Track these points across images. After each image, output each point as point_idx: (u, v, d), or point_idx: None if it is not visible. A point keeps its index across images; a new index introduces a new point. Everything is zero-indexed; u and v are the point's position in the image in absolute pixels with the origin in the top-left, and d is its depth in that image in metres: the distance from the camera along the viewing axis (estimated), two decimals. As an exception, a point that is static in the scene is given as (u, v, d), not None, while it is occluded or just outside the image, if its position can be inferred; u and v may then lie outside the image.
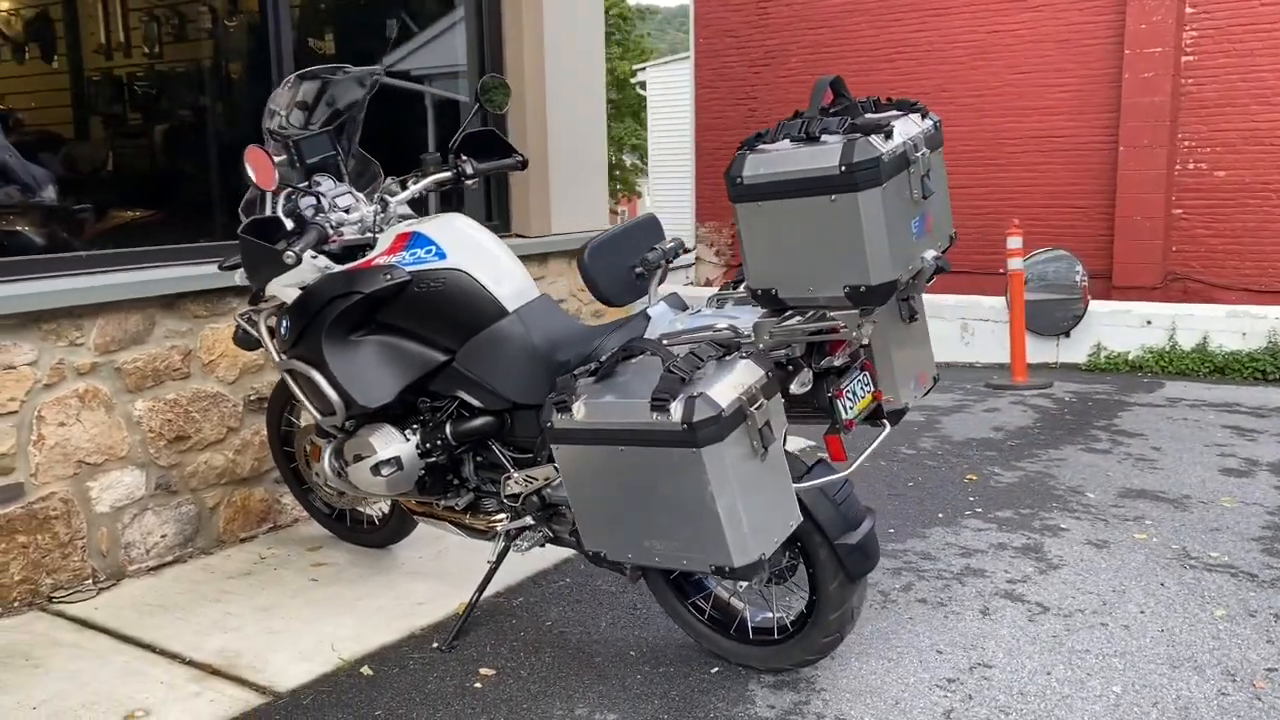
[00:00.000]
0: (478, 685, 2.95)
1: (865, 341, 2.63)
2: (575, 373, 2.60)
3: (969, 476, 4.97)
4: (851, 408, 2.71)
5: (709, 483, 2.34)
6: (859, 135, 2.32)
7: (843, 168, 2.30)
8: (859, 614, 2.92)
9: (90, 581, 3.53)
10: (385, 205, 3.29)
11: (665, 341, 2.60)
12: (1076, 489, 4.76)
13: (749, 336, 2.55)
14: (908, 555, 3.93)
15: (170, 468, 3.75)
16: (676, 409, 2.33)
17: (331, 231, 3.08)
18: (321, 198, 3.26)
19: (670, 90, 18.20)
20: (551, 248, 5.40)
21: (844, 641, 3.00)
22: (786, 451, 2.75)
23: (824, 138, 2.36)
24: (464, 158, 3.44)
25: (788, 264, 2.45)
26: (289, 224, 3.09)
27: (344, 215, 3.23)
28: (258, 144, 2.98)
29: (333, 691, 2.90)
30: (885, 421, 2.90)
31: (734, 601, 3.04)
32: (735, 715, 2.79)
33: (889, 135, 2.36)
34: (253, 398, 3.97)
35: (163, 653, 3.11)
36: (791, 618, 2.95)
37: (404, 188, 3.38)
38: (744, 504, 2.39)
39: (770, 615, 2.99)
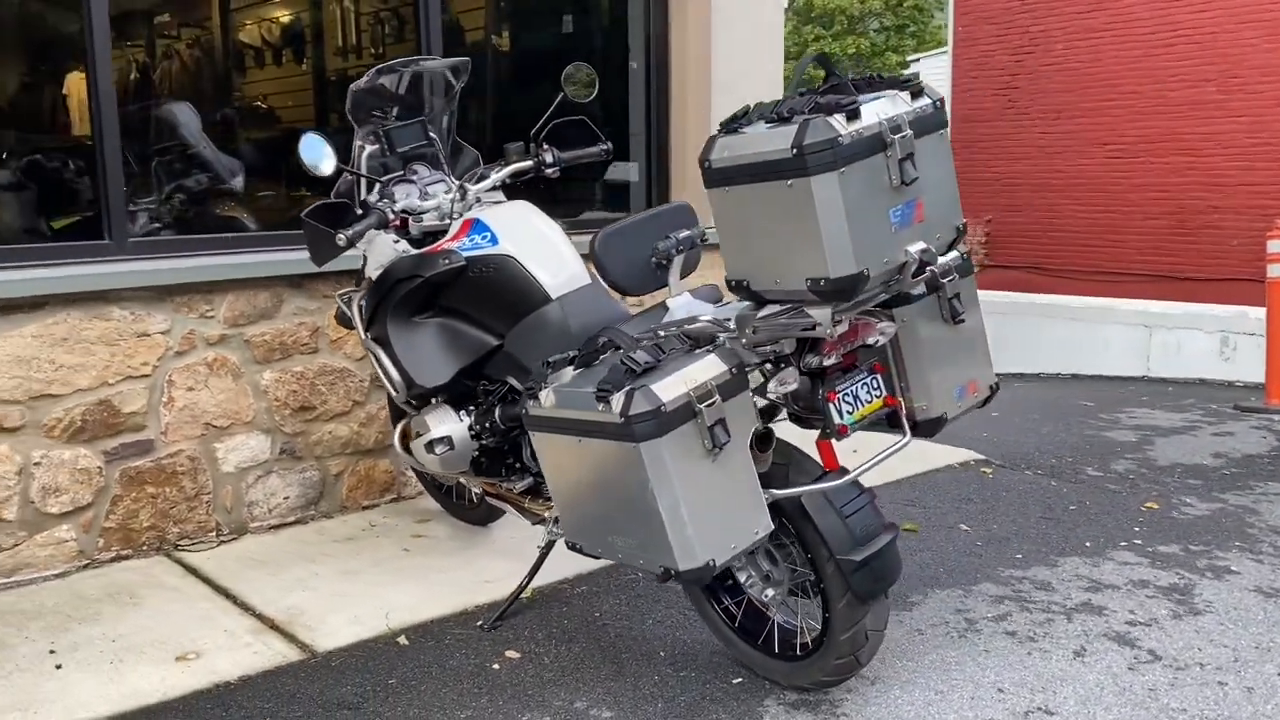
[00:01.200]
0: (495, 667, 2.97)
1: (871, 341, 2.42)
2: (553, 360, 2.55)
3: (1148, 505, 4.43)
4: (849, 413, 2.49)
5: (649, 480, 2.23)
6: (818, 115, 2.13)
7: (794, 150, 2.12)
8: (878, 638, 2.68)
9: (214, 534, 3.87)
10: (464, 192, 3.37)
11: (662, 332, 2.50)
12: (1278, 529, 4.13)
13: (733, 330, 2.40)
14: (1021, 584, 3.56)
15: (295, 435, 4.04)
16: (617, 401, 2.24)
17: (392, 216, 3.20)
18: (410, 185, 3.39)
19: (934, 82, 17.44)
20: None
21: (874, 666, 2.77)
22: (796, 453, 2.58)
23: (794, 119, 2.19)
24: (545, 147, 3.46)
25: (757, 253, 2.29)
26: (363, 209, 3.24)
27: (421, 203, 3.34)
28: (315, 130, 3.15)
29: (362, 657, 3.02)
30: (907, 430, 2.64)
31: (770, 610, 2.88)
32: (738, 729, 2.66)
33: (853, 115, 2.16)
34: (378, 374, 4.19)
35: (241, 604, 3.36)
36: (814, 635, 2.76)
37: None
38: (689, 505, 2.26)
39: (797, 629, 2.81)
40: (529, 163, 3.45)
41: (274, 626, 3.20)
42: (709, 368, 2.32)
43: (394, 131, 3.42)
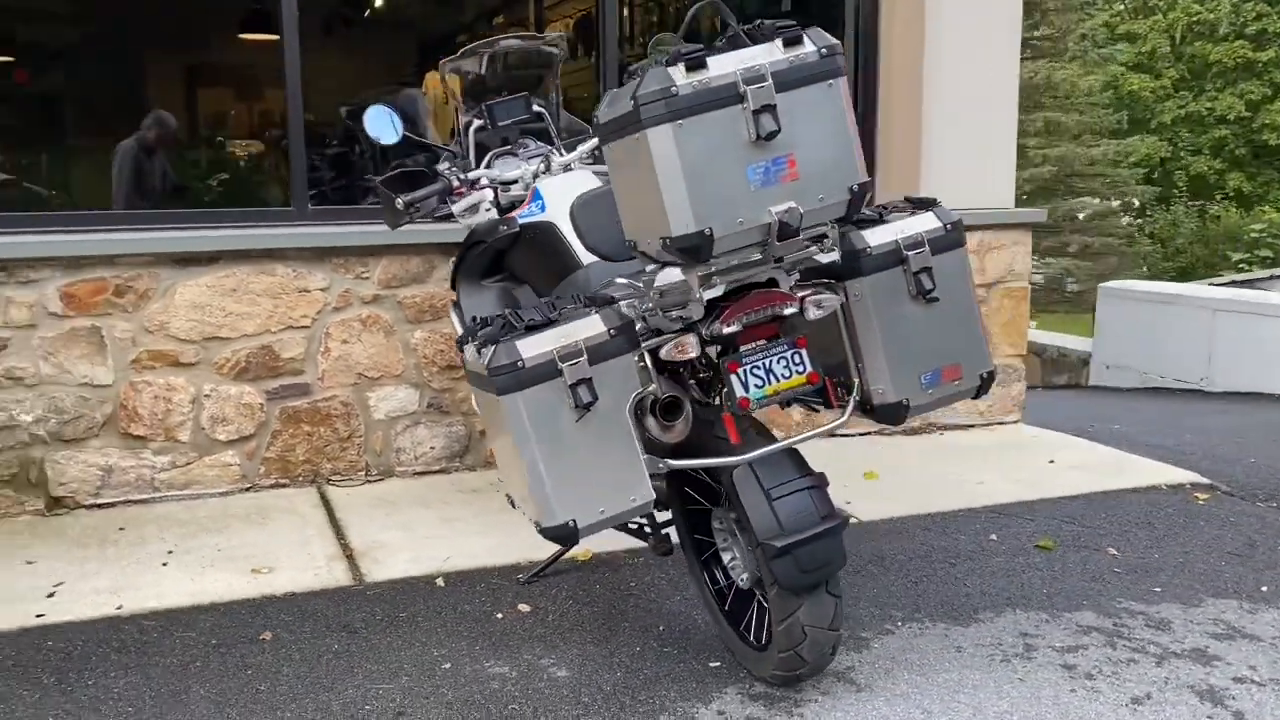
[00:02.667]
0: (499, 616, 3.07)
1: (788, 312, 2.24)
2: (483, 317, 2.57)
3: (1391, 555, 3.62)
4: (757, 387, 2.31)
5: (512, 432, 2.21)
6: (660, 66, 2.00)
7: (632, 102, 2.01)
8: (825, 638, 2.46)
9: (363, 474, 4.30)
10: (549, 164, 3.48)
11: (611, 293, 2.47)
12: None
13: (640, 294, 2.32)
14: (1131, 618, 3.08)
15: (442, 391, 4.37)
16: (486, 354, 2.24)
17: (456, 184, 3.37)
18: (514, 158, 3.56)
19: None
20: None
21: (866, 672, 2.55)
22: (743, 423, 2.43)
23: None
24: None
25: (631, 213, 2.19)
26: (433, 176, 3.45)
27: (508, 173, 3.48)
28: (385, 103, 3.38)
29: (396, 591, 3.24)
30: (848, 409, 2.38)
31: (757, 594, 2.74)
32: (681, 710, 2.56)
33: (695, 66, 2.00)
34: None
35: (340, 534, 3.72)
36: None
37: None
38: (548, 462, 2.21)
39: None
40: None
41: (348, 556, 3.52)
42: (586, 328, 2.27)
43: (496, 107, 3.60)
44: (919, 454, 4.78)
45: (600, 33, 4.71)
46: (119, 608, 3.11)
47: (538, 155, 3.54)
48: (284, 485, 4.19)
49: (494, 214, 3.44)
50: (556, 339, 2.24)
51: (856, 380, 2.48)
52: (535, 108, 3.64)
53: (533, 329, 2.27)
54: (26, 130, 4.70)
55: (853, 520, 3.79)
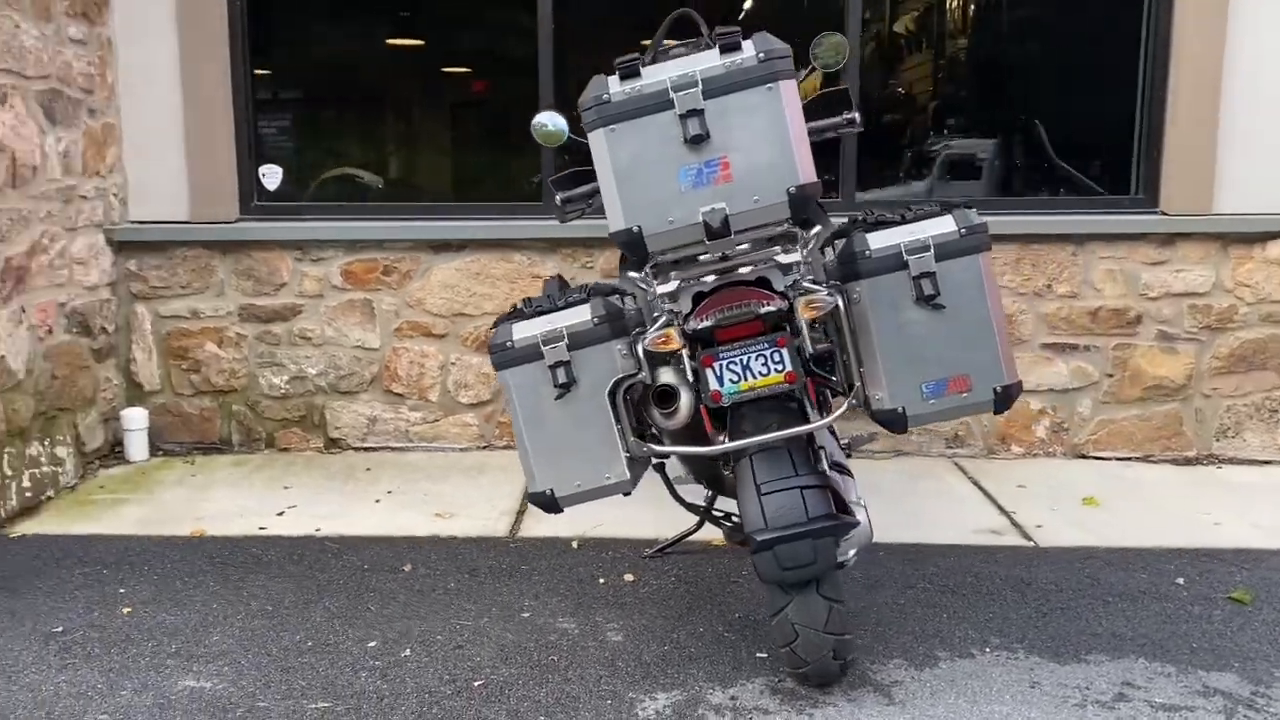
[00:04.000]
0: (601, 581, 3.29)
1: (764, 311, 2.26)
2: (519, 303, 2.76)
3: None
4: (733, 382, 2.33)
5: (507, 404, 2.44)
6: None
7: (577, 109, 2.16)
8: (818, 639, 2.43)
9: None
10: None
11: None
12: None
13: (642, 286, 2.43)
14: (1273, 691, 2.66)
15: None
16: (493, 334, 2.48)
17: None
18: None
19: None
20: (1205, 228, 4.47)
21: (871, 690, 2.49)
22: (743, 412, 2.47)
23: None
24: None
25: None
26: None
27: None
28: (550, 108, 3.67)
29: (534, 548, 3.57)
30: (813, 414, 2.30)
31: None
32: (696, 689, 2.65)
33: (630, 74, 2.09)
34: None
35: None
36: None
37: None
38: (530, 434, 2.41)
39: None
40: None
41: (519, 512, 3.92)
42: (574, 315, 2.43)
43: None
44: (1174, 485, 4.29)
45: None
46: (317, 530, 3.75)
47: None
48: (512, 448, 4.70)
49: None
50: (545, 324, 2.44)
51: (858, 384, 2.42)
52: None
53: (540, 314, 2.49)
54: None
55: (905, 540, 3.54)
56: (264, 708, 2.57)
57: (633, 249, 2.23)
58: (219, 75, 4.56)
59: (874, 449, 4.68)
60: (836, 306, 2.36)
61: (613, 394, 2.44)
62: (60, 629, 2.98)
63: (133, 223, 4.64)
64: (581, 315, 2.46)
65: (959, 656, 2.83)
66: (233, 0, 4.56)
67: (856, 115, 3.43)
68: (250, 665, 2.78)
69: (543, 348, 2.43)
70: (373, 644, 2.90)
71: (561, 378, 2.41)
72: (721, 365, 2.39)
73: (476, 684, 2.68)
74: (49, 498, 4.08)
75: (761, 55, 2.15)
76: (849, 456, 3.31)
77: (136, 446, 4.56)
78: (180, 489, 4.22)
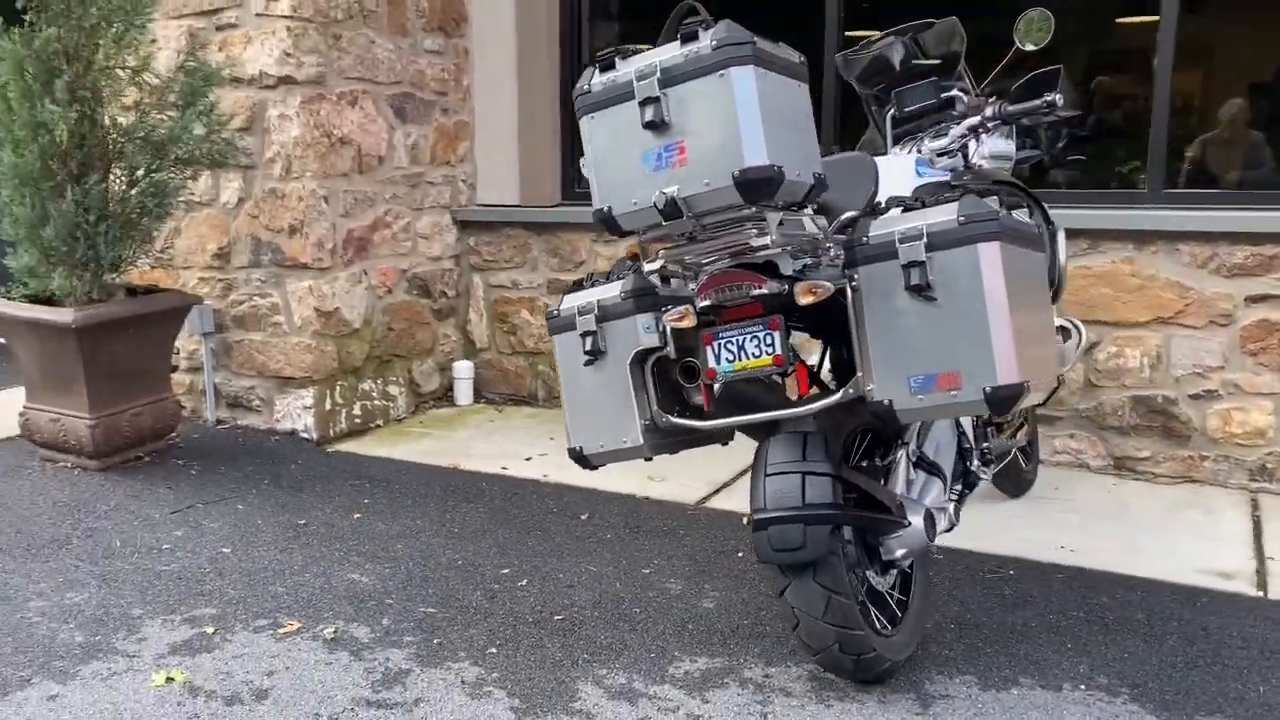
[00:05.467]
0: (740, 555, 3.41)
1: (756, 292, 2.29)
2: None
3: None
4: (728, 361, 2.37)
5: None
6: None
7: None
8: (818, 629, 2.43)
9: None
10: (917, 150, 3.53)
11: None
12: None
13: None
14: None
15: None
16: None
17: None
18: (916, 142, 3.70)
19: None
20: None
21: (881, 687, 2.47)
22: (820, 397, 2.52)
23: None
24: (992, 99, 3.34)
25: None
26: None
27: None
28: None
29: (710, 517, 3.76)
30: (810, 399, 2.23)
31: None
32: (722, 662, 2.74)
33: (606, 67, 2.22)
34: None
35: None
36: None
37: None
38: (568, 395, 2.63)
39: None
40: (974, 119, 3.39)
41: (723, 485, 4.11)
42: (608, 290, 2.59)
43: (903, 92, 3.73)
44: None
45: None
46: (545, 475, 4.25)
47: (935, 139, 3.61)
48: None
49: None
50: (584, 297, 2.65)
51: (858, 374, 2.35)
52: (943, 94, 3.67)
53: (594, 287, 2.71)
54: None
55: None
56: (390, 604, 3.10)
57: (609, 227, 2.38)
58: (546, 77, 5.22)
59: (1157, 472, 4.21)
60: (843, 293, 2.33)
61: (638, 365, 2.60)
62: (304, 521, 3.77)
63: (479, 205, 5.47)
64: (613, 290, 2.65)
65: (1043, 687, 2.60)
66: (564, 7, 5.19)
67: (1058, 98, 3.21)
68: (404, 571, 3.33)
69: (576, 319, 2.66)
70: (505, 570, 3.32)
71: (589, 346, 2.62)
72: (720, 344, 2.46)
73: (557, 618, 3.00)
74: (377, 426, 5.01)
75: (714, 44, 2.19)
76: (986, 464, 3.12)
77: (462, 393, 5.41)
78: (474, 430, 4.96)
